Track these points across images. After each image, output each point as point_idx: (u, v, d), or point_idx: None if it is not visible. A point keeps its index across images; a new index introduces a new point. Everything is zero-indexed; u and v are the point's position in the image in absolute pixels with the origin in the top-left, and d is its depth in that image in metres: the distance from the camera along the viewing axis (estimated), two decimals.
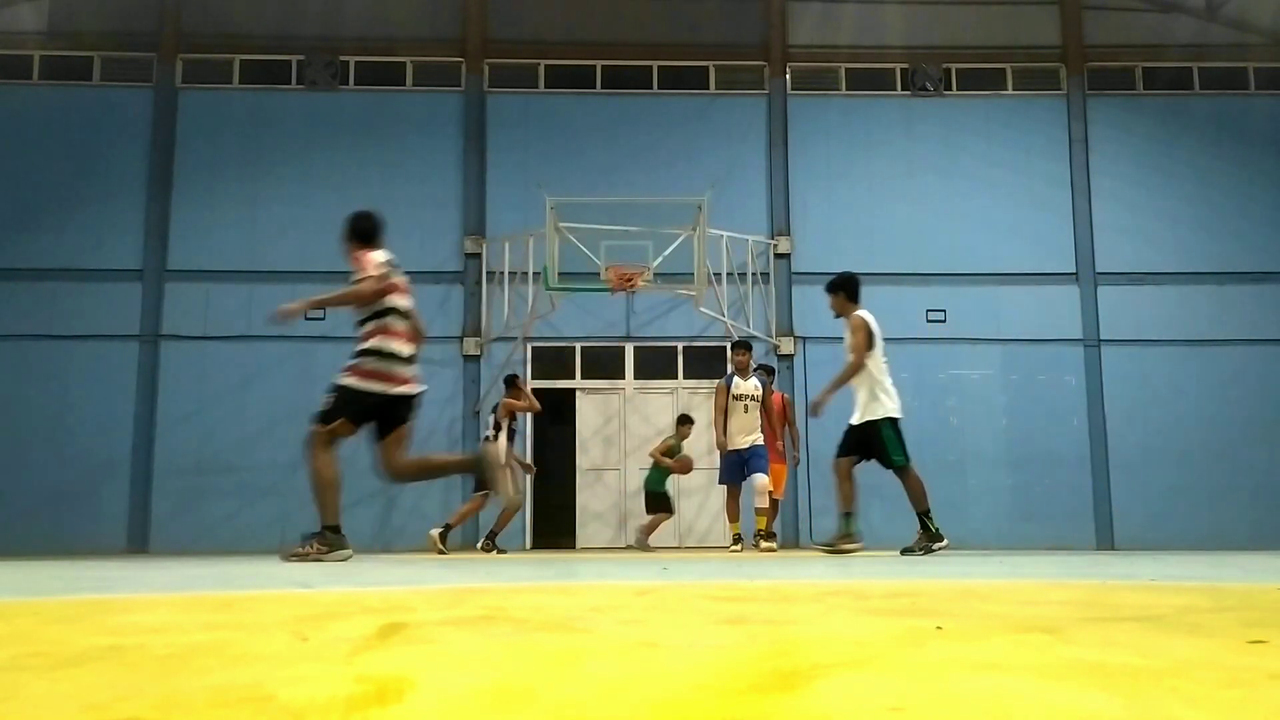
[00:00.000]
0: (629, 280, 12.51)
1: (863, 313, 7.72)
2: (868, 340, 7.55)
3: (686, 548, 13.72)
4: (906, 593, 2.79)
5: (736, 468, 9.83)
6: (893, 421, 7.54)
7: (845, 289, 7.89)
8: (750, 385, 9.95)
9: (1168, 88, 15.42)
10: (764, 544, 9.78)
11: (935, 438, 14.29)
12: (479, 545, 11.41)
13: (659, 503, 11.93)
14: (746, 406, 9.85)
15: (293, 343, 14.22)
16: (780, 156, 14.90)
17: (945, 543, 7.57)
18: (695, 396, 14.43)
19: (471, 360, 14.24)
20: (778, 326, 14.44)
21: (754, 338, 14.22)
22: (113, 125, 14.66)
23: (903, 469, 7.56)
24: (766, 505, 9.86)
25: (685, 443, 11.88)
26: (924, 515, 7.53)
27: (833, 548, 7.72)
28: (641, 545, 11.63)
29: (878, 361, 7.58)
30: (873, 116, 15.19)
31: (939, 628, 1.66)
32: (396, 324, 6.52)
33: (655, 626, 1.80)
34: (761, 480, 9.69)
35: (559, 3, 15.35)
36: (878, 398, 7.50)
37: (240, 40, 15.05)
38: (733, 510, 9.99)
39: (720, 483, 10.17)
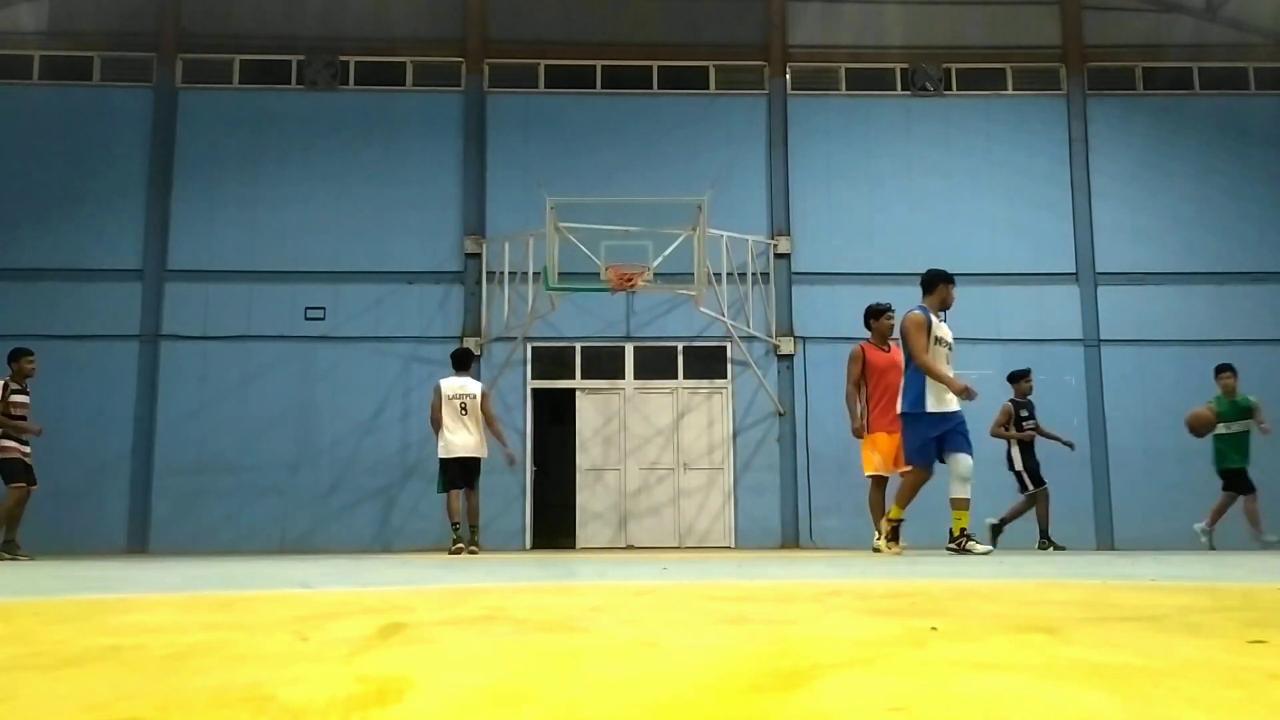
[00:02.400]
0: (629, 280, 12.50)
1: (440, 380, 10.28)
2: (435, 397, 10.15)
3: (687, 548, 13.73)
4: (906, 593, 2.79)
5: (933, 443, 7.45)
6: (441, 461, 10.16)
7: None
8: (948, 329, 7.78)
9: (1168, 88, 15.41)
10: (971, 543, 7.63)
11: None
12: (1038, 545, 10.96)
13: (1239, 481, 10.60)
14: (948, 357, 7.73)
15: (293, 343, 14.23)
16: (780, 156, 14.90)
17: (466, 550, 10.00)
18: (695, 396, 14.44)
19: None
20: (777, 326, 14.43)
21: (754, 338, 14.23)
22: (113, 125, 14.66)
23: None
24: (969, 495, 7.62)
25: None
26: (454, 526, 10.13)
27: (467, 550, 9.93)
28: (1257, 535, 10.53)
29: (446, 412, 10.05)
30: (873, 116, 15.18)
31: (934, 628, 1.66)
32: None
33: (655, 626, 1.80)
34: (967, 462, 7.40)
35: (559, 3, 15.35)
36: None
37: (240, 40, 15.04)
38: (901, 492, 7.70)
39: (909, 461, 7.68)
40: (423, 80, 15.10)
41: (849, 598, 2.57)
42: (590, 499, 14.21)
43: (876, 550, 8.18)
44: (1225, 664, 1.27)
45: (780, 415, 14.25)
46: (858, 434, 8.78)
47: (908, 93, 15.31)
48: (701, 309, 13.30)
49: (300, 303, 14.31)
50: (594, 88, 15.16)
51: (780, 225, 14.71)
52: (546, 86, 15.14)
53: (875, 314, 8.92)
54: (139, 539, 13.69)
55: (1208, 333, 14.64)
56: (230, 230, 14.48)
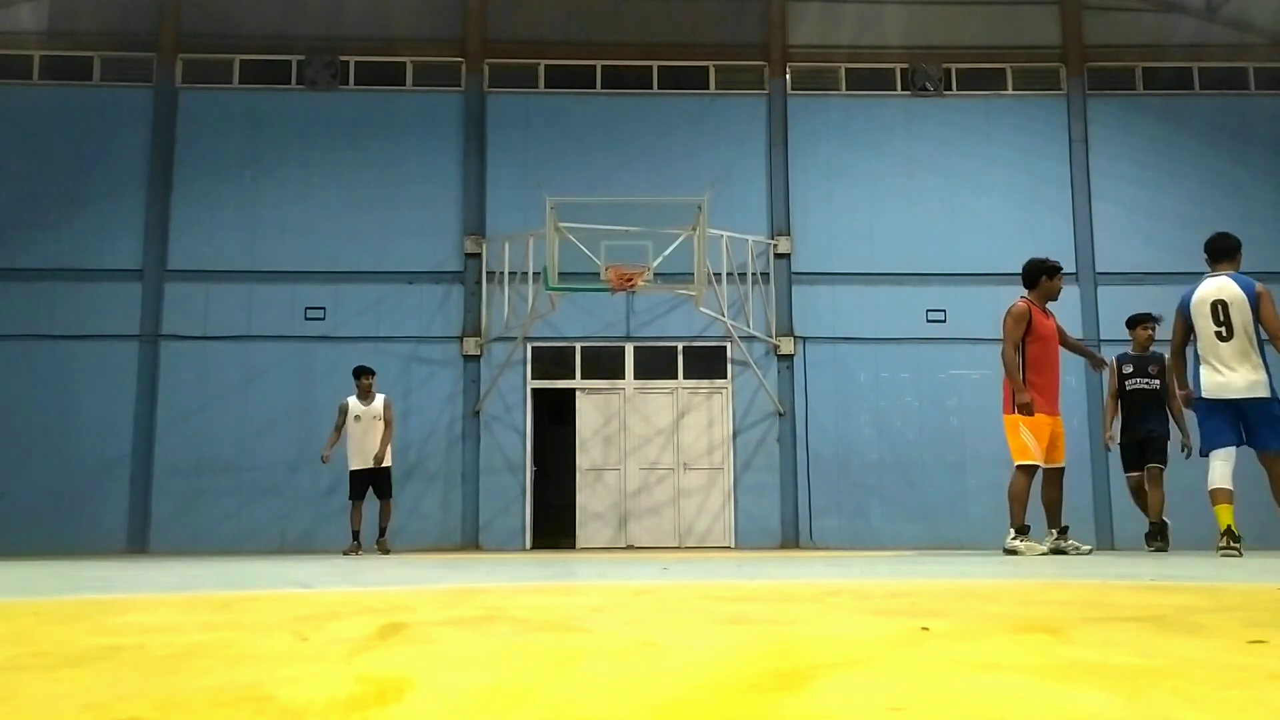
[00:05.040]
0: (629, 280, 12.50)
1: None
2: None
3: (687, 548, 13.73)
4: (907, 593, 2.79)
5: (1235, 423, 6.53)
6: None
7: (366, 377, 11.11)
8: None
9: (1168, 88, 15.41)
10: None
11: (935, 438, 14.28)
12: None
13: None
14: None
15: (293, 343, 14.23)
16: (780, 156, 14.90)
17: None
18: (695, 396, 14.44)
19: (471, 360, 14.24)
20: (778, 326, 14.43)
21: (754, 338, 14.22)
22: (113, 125, 14.66)
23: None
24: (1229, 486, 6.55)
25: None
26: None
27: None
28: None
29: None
30: (873, 116, 15.18)
31: (924, 628, 1.66)
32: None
33: (655, 626, 1.79)
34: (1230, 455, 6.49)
35: (559, 3, 15.34)
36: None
37: (240, 40, 15.04)
38: (1227, 486, 6.68)
39: (1210, 449, 6.76)
40: (423, 80, 15.10)
41: (849, 598, 2.57)
42: (590, 499, 14.22)
43: (1011, 552, 7.16)
44: (1225, 664, 1.27)
45: (780, 415, 14.25)
46: (1027, 409, 7.05)
47: (908, 93, 15.30)
48: (701, 309, 13.30)
49: (300, 303, 14.31)
50: (594, 88, 15.16)
51: (780, 225, 14.71)
52: (546, 86, 15.14)
53: (1051, 271, 7.40)
54: (139, 539, 13.69)
55: None
56: (230, 230, 14.48)
